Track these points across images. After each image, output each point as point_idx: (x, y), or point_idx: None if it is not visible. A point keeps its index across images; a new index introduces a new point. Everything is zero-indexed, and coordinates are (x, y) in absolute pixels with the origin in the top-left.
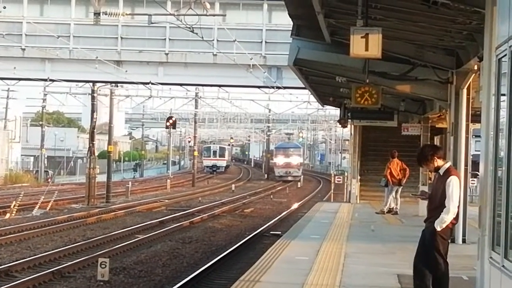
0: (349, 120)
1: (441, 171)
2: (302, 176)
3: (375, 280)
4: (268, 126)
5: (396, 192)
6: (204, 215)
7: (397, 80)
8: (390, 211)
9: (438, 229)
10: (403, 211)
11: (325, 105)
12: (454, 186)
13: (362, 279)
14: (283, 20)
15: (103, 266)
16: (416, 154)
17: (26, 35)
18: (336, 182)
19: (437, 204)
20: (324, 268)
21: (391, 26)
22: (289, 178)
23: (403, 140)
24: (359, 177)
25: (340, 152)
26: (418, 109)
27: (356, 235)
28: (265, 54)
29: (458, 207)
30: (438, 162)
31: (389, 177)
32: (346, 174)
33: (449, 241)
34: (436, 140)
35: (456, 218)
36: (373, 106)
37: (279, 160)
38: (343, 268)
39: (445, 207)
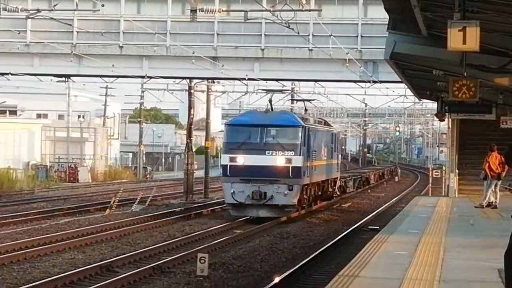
0: (447, 114)
1: None
2: (399, 171)
3: (475, 274)
4: (365, 121)
5: (495, 186)
6: (301, 210)
7: (495, 73)
8: (489, 205)
9: None
10: (502, 204)
11: (422, 99)
12: None
13: (462, 273)
14: (379, 14)
15: (202, 261)
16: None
17: (123, 32)
18: (434, 176)
19: None
20: (424, 263)
21: (489, 18)
22: (261, 214)
23: (501, 133)
24: (457, 171)
25: (437, 146)
26: None
27: (455, 230)
28: (361, 48)
29: None
30: None
31: (487, 170)
32: (444, 168)
33: None
34: None
35: None
36: (470, 100)
37: (238, 159)
38: (443, 263)
39: None
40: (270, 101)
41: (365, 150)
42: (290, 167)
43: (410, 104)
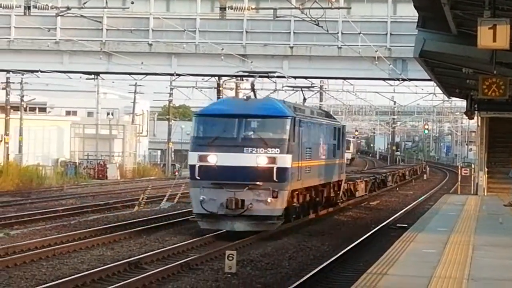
0: (476, 112)
1: None
2: (428, 169)
3: (504, 273)
4: (393, 118)
5: None
6: (330, 207)
7: None
8: None
9: None
10: None
11: (451, 97)
12: None
13: (490, 271)
14: (408, 11)
15: (230, 258)
16: None
17: (153, 30)
18: (462, 174)
19: None
20: (452, 261)
21: None
22: (237, 227)
23: None
24: (486, 169)
25: (466, 144)
26: None
27: (484, 228)
28: (390, 46)
29: None
30: None
31: None
32: (473, 166)
33: None
34: None
35: None
36: (500, 98)
37: (209, 158)
38: (471, 261)
39: None
40: (253, 85)
41: (393, 148)
42: (275, 168)
43: (439, 102)
